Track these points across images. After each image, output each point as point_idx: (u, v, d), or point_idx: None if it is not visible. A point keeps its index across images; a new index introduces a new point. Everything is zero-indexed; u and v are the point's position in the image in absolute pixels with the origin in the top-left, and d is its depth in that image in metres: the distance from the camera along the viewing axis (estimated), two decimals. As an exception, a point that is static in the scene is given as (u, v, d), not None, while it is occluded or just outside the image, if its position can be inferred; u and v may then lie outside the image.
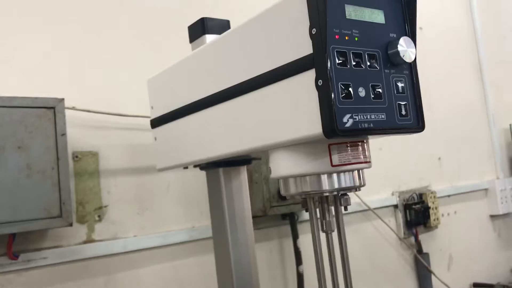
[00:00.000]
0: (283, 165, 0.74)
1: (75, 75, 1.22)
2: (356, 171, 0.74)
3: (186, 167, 1.03)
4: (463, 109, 2.27)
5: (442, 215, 2.02)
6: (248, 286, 0.97)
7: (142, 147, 1.30)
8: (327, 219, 0.77)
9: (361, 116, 0.65)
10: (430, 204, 1.92)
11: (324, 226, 0.77)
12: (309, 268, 1.54)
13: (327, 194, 0.75)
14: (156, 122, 1.03)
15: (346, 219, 1.72)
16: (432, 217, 1.92)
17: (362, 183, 0.75)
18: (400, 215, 1.88)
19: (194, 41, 0.99)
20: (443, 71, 2.19)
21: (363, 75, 0.66)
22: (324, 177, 0.72)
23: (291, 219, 1.50)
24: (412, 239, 1.91)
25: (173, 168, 1.02)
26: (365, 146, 0.74)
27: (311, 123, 0.64)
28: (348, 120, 0.64)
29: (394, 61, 0.70)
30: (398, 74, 0.71)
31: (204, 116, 0.87)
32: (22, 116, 0.99)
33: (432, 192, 1.96)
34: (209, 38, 0.96)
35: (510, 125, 2.44)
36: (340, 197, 0.76)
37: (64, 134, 1.03)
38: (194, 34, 0.99)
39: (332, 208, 0.78)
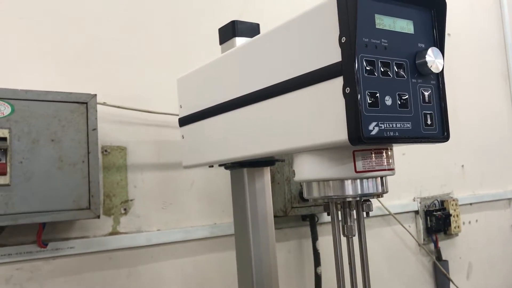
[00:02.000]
0: (307, 169, 0.75)
1: (107, 72, 1.26)
2: (379, 177, 0.75)
3: (211, 166, 1.05)
4: (489, 117, 2.24)
5: (463, 223, 2.01)
6: (267, 285, 0.99)
7: (169, 144, 1.33)
8: (349, 223, 0.78)
9: (387, 124, 0.66)
10: (451, 212, 1.91)
11: (346, 231, 0.78)
12: (327, 270, 1.55)
13: (350, 199, 0.76)
14: (184, 121, 1.06)
15: (366, 223, 1.72)
16: (453, 225, 1.91)
17: (384, 190, 0.76)
18: (420, 221, 1.87)
19: (224, 43, 1.02)
20: (470, 77, 2.17)
21: (390, 84, 0.68)
22: (347, 183, 0.74)
23: (311, 221, 1.51)
24: (432, 245, 1.90)
25: (199, 166, 1.04)
26: (389, 154, 0.75)
27: (336, 130, 0.66)
28: (374, 128, 0.65)
29: (421, 71, 0.71)
30: (425, 83, 0.72)
31: (231, 117, 0.89)
32: (56, 110, 1.03)
33: (454, 200, 1.95)
34: (239, 40, 0.98)
35: (537, 135, 2.40)
36: (362, 202, 0.77)
37: (95, 129, 1.07)
38: (224, 36, 1.01)
39: (354, 212, 0.79)
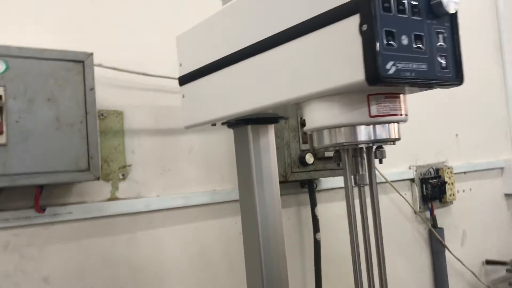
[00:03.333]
0: (319, 117, 0.74)
1: (103, 33, 1.22)
2: (392, 124, 0.74)
3: (214, 124, 1.03)
4: (482, 87, 2.24)
5: (458, 191, 2.02)
6: (274, 246, 0.98)
7: (166, 108, 1.30)
8: (361, 172, 0.77)
9: (404, 64, 0.65)
10: (446, 179, 1.92)
11: (357, 179, 0.77)
12: (326, 236, 1.55)
13: (362, 145, 0.75)
14: (185, 79, 1.03)
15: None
16: (448, 193, 1.92)
17: (398, 136, 0.75)
18: (416, 189, 1.88)
19: (225, -4, 0.98)
20: (463, 48, 2.17)
21: (406, 23, 0.66)
22: (361, 128, 0.72)
23: (310, 187, 1.50)
24: (427, 213, 1.91)
25: (201, 125, 1.02)
26: (403, 99, 0.73)
27: (353, 70, 0.64)
28: (391, 67, 0.63)
29: (436, 12, 0.69)
30: (440, 25, 0.70)
31: (235, 70, 0.87)
32: (52, 69, 0.99)
33: (449, 168, 1.96)
34: (241, -8, 0.95)
35: (528, 104, 2.42)
36: (375, 149, 0.75)
37: (92, 89, 1.04)
38: (225, -11, 0.98)
39: (365, 162, 0.78)
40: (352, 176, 0.78)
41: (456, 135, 2.11)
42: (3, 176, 0.92)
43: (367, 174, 0.77)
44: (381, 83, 0.62)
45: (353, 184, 0.78)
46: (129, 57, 1.24)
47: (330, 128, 0.74)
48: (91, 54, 1.04)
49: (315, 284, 1.47)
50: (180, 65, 1.05)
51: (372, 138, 0.72)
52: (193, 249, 1.31)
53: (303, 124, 1.38)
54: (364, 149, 0.77)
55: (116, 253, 1.19)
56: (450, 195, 1.93)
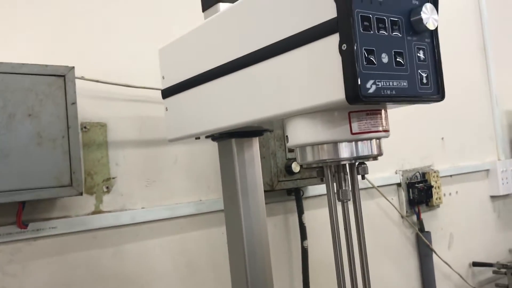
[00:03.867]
0: (301, 134, 0.73)
1: (85, 45, 1.21)
2: (374, 140, 0.74)
3: (198, 138, 1.02)
4: (467, 89, 2.26)
5: (444, 194, 2.03)
6: (259, 257, 0.97)
7: (151, 119, 1.29)
8: (343, 188, 0.76)
9: (384, 82, 0.65)
10: (433, 183, 1.93)
11: (341, 195, 0.77)
12: (313, 243, 1.55)
13: (345, 162, 0.75)
14: (168, 92, 1.03)
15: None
16: (434, 196, 1.93)
17: (379, 152, 0.75)
18: (403, 194, 1.89)
19: (207, 9, 0.98)
20: (447, 51, 2.17)
21: (386, 41, 0.66)
22: (343, 145, 0.72)
23: (297, 195, 1.50)
24: (414, 217, 1.92)
25: (185, 139, 1.01)
26: (385, 115, 0.73)
27: (333, 89, 0.64)
28: (371, 86, 0.63)
29: (416, 28, 0.69)
30: (420, 42, 0.70)
31: (218, 85, 0.86)
32: (32, 84, 0.98)
33: (435, 172, 1.97)
34: (223, 6, 0.95)
35: (512, 106, 2.44)
36: (357, 165, 0.76)
37: (74, 103, 1.02)
38: (207, 2, 0.97)
39: (348, 177, 0.78)
40: (336, 192, 0.77)
41: (442, 138, 2.12)
42: (-17, 194, 0.90)
43: (349, 189, 0.77)
44: (361, 102, 0.62)
45: (336, 200, 0.77)
46: (112, 68, 1.23)
47: (313, 145, 0.74)
48: (73, 68, 1.03)
49: (303, 291, 1.47)
50: (163, 78, 1.04)
51: (354, 155, 0.72)
52: (180, 260, 1.31)
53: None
54: (347, 165, 0.77)
55: (102, 267, 1.18)
56: (436, 199, 1.94)
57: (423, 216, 1.93)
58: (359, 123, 0.70)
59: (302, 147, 0.75)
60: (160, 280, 1.26)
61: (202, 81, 0.91)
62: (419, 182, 1.91)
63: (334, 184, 0.77)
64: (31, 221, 1.08)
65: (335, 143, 0.72)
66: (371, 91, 0.63)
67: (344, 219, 0.77)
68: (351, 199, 0.78)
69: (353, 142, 0.72)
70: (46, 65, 1.00)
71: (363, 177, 0.76)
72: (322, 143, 0.72)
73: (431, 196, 1.92)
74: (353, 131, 0.70)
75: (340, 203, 0.78)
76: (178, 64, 1.00)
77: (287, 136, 0.77)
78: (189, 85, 0.95)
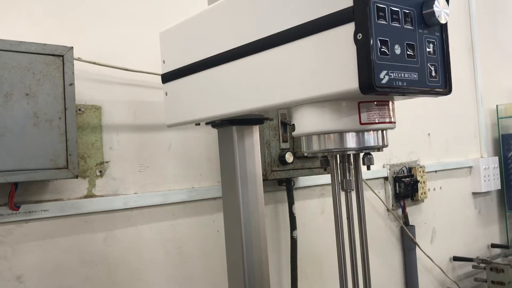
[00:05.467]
0: (309, 122, 0.73)
1: (83, 26, 1.19)
2: (380, 131, 0.75)
3: (198, 124, 1.01)
4: (454, 88, 2.29)
5: (429, 189, 2.06)
6: (256, 245, 0.98)
7: (146, 104, 1.28)
8: (348, 178, 0.77)
9: (396, 74, 0.65)
10: (419, 178, 1.96)
11: (345, 185, 0.77)
12: (302, 233, 1.56)
13: (350, 152, 0.75)
14: (168, 77, 1.01)
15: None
16: (420, 191, 1.96)
17: (385, 144, 0.75)
18: (389, 187, 1.91)
19: (212, -6, 0.97)
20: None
21: (399, 33, 0.66)
22: (350, 135, 0.72)
23: (288, 185, 1.51)
24: (400, 211, 1.95)
25: (184, 124, 1.00)
26: (392, 107, 0.74)
27: (347, 78, 0.64)
28: (384, 77, 0.63)
29: (428, 22, 0.69)
30: (430, 35, 0.71)
31: (224, 71, 0.86)
32: (30, 62, 0.96)
33: (421, 167, 2.00)
34: (229, -9, 0.94)
35: (496, 106, 2.49)
36: (363, 156, 0.76)
37: (72, 84, 1.01)
38: (212, -13, 0.96)
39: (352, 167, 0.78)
40: (340, 182, 0.78)
41: (429, 134, 2.16)
42: (-23, 174, 0.88)
43: (353, 179, 0.78)
44: (375, 92, 0.63)
45: (340, 189, 0.78)
46: (109, 51, 1.21)
47: (320, 134, 0.74)
48: (71, 48, 1.01)
49: (291, 281, 1.48)
50: (163, 62, 1.03)
51: (361, 145, 0.73)
52: (171, 247, 1.30)
53: (283, 123, 1.38)
54: (352, 155, 0.78)
55: (93, 251, 1.17)
56: (421, 194, 1.98)
57: (408, 210, 1.96)
58: (368, 113, 0.70)
59: (309, 135, 0.76)
60: (150, 266, 1.26)
61: (205, 66, 0.90)
62: (405, 177, 1.93)
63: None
64: (23, 203, 1.06)
65: (342, 133, 0.73)
66: (384, 81, 0.63)
67: (347, 208, 0.78)
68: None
69: (360, 133, 0.72)
70: (45, 44, 0.98)
71: (368, 168, 0.76)
72: (330, 132, 0.72)
73: (417, 190, 1.95)
74: (362, 121, 0.70)
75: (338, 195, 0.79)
76: (180, 49, 0.99)
77: (293, 124, 0.77)
78: (191, 70, 0.94)
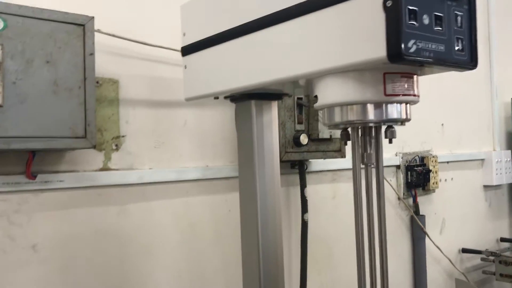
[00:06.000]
0: (332, 93, 0.73)
1: (102, -3, 1.19)
2: (404, 104, 0.74)
3: (216, 98, 1.01)
4: (469, 78, 2.27)
5: (440, 180, 2.05)
6: (272, 224, 0.97)
7: (163, 80, 1.27)
8: (369, 151, 0.77)
9: (424, 44, 0.64)
10: (431, 168, 1.95)
11: (365, 158, 0.77)
12: (313, 217, 1.56)
13: (372, 124, 0.75)
14: (188, 50, 1.01)
15: (349, 174, 1.73)
16: (431, 181, 1.95)
17: (408, 117, 0.75)
18: (401, 176, 1.90)
19: (235, -33, 0.96)
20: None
21: (428, 3, 0.65)
22: (372, 107, 0.72)
23: (301, 168, 1.51)
24: (410, 200, 1.94)
25: (203, 98, 1.00)
26: (416, 80, 0.73)
27: (374, 47, 0.63)
28: (412, 46, 0.63)
29: (457, -7, 0.69)
30: (459, 8, 0.70)
31: (246, 42, 0.85)
32: (51, 30, 0.96)
33: (433, 156, 1.99)
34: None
35: (511, 99, 2.46)
36: (386, 129, 0.76)
37: (92, 54, 1.01)
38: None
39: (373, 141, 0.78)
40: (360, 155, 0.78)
41: (442, 124, 2.14)
42: (-3, 139, 0.89)
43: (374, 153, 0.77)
44: (403, 61, 0.62)
45: (359, 164, 0.78)
46: (128, 24, 1.21)
47: (343, 105, 0.73)
48: (92, 18, 1.01)
49: (300, 263, 1.48)
50: (184, 34, 1.03)
51: (384, 117, 0.72)
52: (183, 223, 1.30)
53: (299, 104, 1.38)
54: (373, 128, 0.77)
55: (106, 224, 1.17)
56: (433, 183, 1.97)
57: (419, 199, 1.96)
58: (393, 84, 0.70)
59: (331, 107, 0.75)
60: (161, 241, 1.26)
61: (226, 38, 0.90)
62: (418, 166, 1.92)
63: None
64: (39, 173, 1.07)
65: (364, 104, 0.72)
66: (411, 50, 0.63)
67: (366, 182, 0.78)
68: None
69: (384, 105, 0.72)
70: (66, 13, 0.98)
71: (390, 141, 0.76)
72: (353, 103, 0.72)
73: (428, 180, 1.94)
74: (387, 93, 0.70)
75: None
76: (200, 21, 0.98)
77: (316, 96, 0.76)
78: (211, 43, 0.94)
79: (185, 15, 1.02)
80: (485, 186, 2.34)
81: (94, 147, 1.01)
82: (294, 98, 1.36)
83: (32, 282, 1.06)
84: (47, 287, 1.08)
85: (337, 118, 0.75)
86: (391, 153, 1.91)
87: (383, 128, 0.77)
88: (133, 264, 1.21)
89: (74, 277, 1.12)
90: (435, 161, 1.99)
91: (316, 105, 0.77)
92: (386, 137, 0.76)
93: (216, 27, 0.92)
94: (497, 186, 2.39)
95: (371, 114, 0.72)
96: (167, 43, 1.24)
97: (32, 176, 1.05)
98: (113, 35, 1.15)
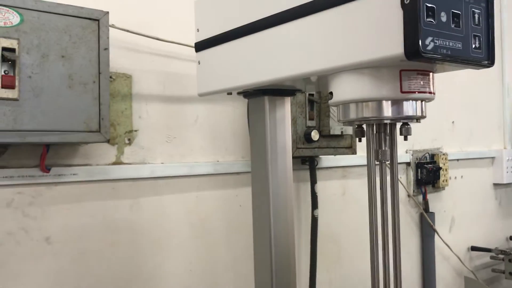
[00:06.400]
0: (348, 89, 0.73)
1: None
2: (419, 101, 0.74)
3: (230, 93, 1.01)
4: (480, 76, 2.25)
5: (450, 177, 2.05)
6: (284, 219, 0.98)
7: (175, 76, 1.28)
8: (383, 148, 0.77)
9: (441, 41, 0.64)
10: (441, 165, 1.94)
11: (380, 155, 0.77)
12: (323, 213, 1.56)
13: (387, 121, 0.75)
14: (202, 45, 1.01)
15: (359, 171, 1.72)
16: (441, 178, 1.95)
17: (423, 115, 0.75)
18: (411, 173, 1.90)
19: (250, -37, 0.96)
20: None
21: (446, 0, 0.65)
22: (388, 104, 0.72)
23: (311, 164, 1.51)
24: (420, 197, 1.94)
25: (216, 93, 1.00)
26: (432, 77, 0.73)
27: (392, 44, 0.63)
28: (429, 43, 0.63)
29: (475, -9, 0.68)
30: (476, 5, 0.70)
31: (261, 38, 0.85)
32: (66, 25, 0.96)
33: (444, 154, 1.98)
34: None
35: (523, 97, 2.45)
36: (401, 126, 0.76)
37: (107, 49, 1.01)
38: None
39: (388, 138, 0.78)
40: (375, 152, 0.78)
41: (453, 122, 2.13)
42: (13, 132, 0.90)
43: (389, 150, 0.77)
44: (420, 59, 0.62)
45: (374, 160, 0.78)
46: (142, 19, 1.21)
47: (358, 102, 0.73)
48: (107, 13, 1.01)
49: (310, 259, 1.49)
50: (198, 30, 1.03)
51: (399, 114, 0.72)
52: (194, 218, 1.31)
53: (310, 100, 1.38)
54: (388, 125, 0.77)
55: (119, 218, 1.18)
56: (443, 181, 1.96)
57: (429, 197, 1.95)
58: (410, 82, 0.70)
59: (346, 104, 0.75)
60: (173, 235, 1.27)
61: (240, 34, 0.90)
62: (428, 163, 1.92)
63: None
64: (53, 166, 1.08)
65: (380, 101, 0.72)
66: (429, 48, 0.63)
67: (381, 180, 0.78)
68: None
69: (400, 102, 0.72)
70: (82, 7, 0.98)
71: (405, 138, 0.76)
72: (369, 100, 0.72)
73: (438, 177, 1.94)
74: (403, 90, 0.70)
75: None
76: (214, 17, 0.98)
77: (330, 92, 0.76)
78: (225, 39, 0.94)
79: (199, 11, 1.03)
80: (495, 184, 2.33)
81: (107, 141, 1.02)
82: (306, 94, 1.36)
83: (45, 274, 1.08)
84: (60, 279, 1.09)
85: (352, 115, 0.75)
86: (402, 150, 1.90)
87: (398, 125, 0.77)
88: (144, 257, 1.22)
89: (86, 269, 1.13)
90: (445, 158, 1.98)
91: (331, 101, 0.77)
92: (401, 134, 0.76)
93: (230, 23, 0.92)
94: (508, 185, 2.38)
95: (387, 111, 0.72)
96: (180, 39, 1.24)
97: (46, 169, 1.06)
98: (127, 30, 1.16)
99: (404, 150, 1.91)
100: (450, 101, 2.09)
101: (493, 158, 2.32)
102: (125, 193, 1.20)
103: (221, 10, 0.96)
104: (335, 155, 1.47)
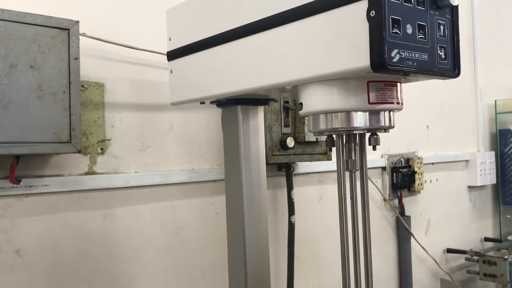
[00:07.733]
0: (317, 101, 0.74)
1: (89, 1, 1.17)
2: (388, 111, 0.75)
3: (202, 102, 1.01)
4: (454, 81, 2.29)
5: (425, 181, 2.08)
6: (258, 227, 0.98)
7: (149, 83, 1.27)
8: (353, 158, 0.77)
9: (407, 53, 0.65)
10: (416, 169, 1.97)
11: (349, 165, 0.78)
12: (300, 219, 1.57)
13: (357, 132, 0.76)
14: (174, 54, 1.01)
15: (335, 176, 1.74)
16: (417, 182, 1.97)
17: (392, 125, 0.76)
18: (387, 177, 1.92)
19: (221, -28, 0.96)
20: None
21: (411, 13, 0.66)
22: (357, 115, 0.73)
23: (287, 170, 1.51)
24: (396, 201, 1.96)
25: (189, 102, 1.00)
26: (400, 88, 0.74)
27: (358, 56, 0.64)
28: (395, 55, 0.64)
29: (440, 3, 0.70)
30: (441, 17, 0.71)
31: (230, 48, 0.86)
32: (35, 35, 0.95)
33: (419, 158, 2.01)
34: (238, -30, 0.93)
35: (495, 101, 2.50)
36: (370, 136, 0.76)
37: (77, 58, 1.00)
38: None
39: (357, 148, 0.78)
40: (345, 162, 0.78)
41: (427, 126, 2.16)
42: (-20, 144, 0.88)
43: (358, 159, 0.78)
44: (386, 71, 0.63)
45: (344, 170, 0.78)
46: (114, 28, 1.20)
47: (327, 112, 0.74)
48: (77, 22, 1.00)
49: (287, 265, 1.49)
50: (170, 39, 1.03)
51: (368, 125, 0.73)
52: (170, 227, 1.30)
53: (285, 107, 1.38)
54: (358, 135, 0.78)
55: (92, 228, 1.17)
56: (418, 185, 1.99)
57: (404, 200, 1.98)
58: (377, 93, 0.70)
59: (316, 114, 0.76)
60: (149, 245, 1.26)
61: (212, 44, 0.90)
62: (403, 167, 1.94)
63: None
64: (23, 177, 1.06)
65: (349, 112, 0.73)
66: (395, 60, 0.63)
67: (351, 188, 0.79)
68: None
69: (368, 112, 0.73)
70: (51, 17, 0.97)
71: (374, 148, 0.77)
72: (338, 111, 0.73)
73: (414, 181, 1.96)
74: (371, 101, 0.70)
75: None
76: (186, 26, 0.98)
77: (301, 103, 0.77)
78: (197, 48, 0.94)
79: (171, 20, 1.02)
80: (470, 187, 2.37)
81: (79, 152, 1.00)
82: (281, 101, 1.37)
83: (17, 287, 1.06)
84: (31, 293, 1.08)
85: (322, 126, 0.75)
86: (377, 155, 1.92)
87: (367, 135, 0.78)
88: (119, 268, 1.21)
89: (59, 282, 1.11)
90: (420, 162, 2.01)
91: (302, 112, 0.77)
92: (370, 144, 0.77)
93: (202, 32, 0.92)
94: (481, 187, 2.43)
95: (355, 122, 0.73)
96: (153, 47, 1.23)
97: (16, 180, 1.04)
98: (99, 39, 1.15)
99: (380, 154, 1.93)
100: (424, 106, 2.13)
101: (467, 161, 2.36)
102: (98, 203, 1.18)
103: (192, 20, 0.96)
104: (310, 161, 1.48)
